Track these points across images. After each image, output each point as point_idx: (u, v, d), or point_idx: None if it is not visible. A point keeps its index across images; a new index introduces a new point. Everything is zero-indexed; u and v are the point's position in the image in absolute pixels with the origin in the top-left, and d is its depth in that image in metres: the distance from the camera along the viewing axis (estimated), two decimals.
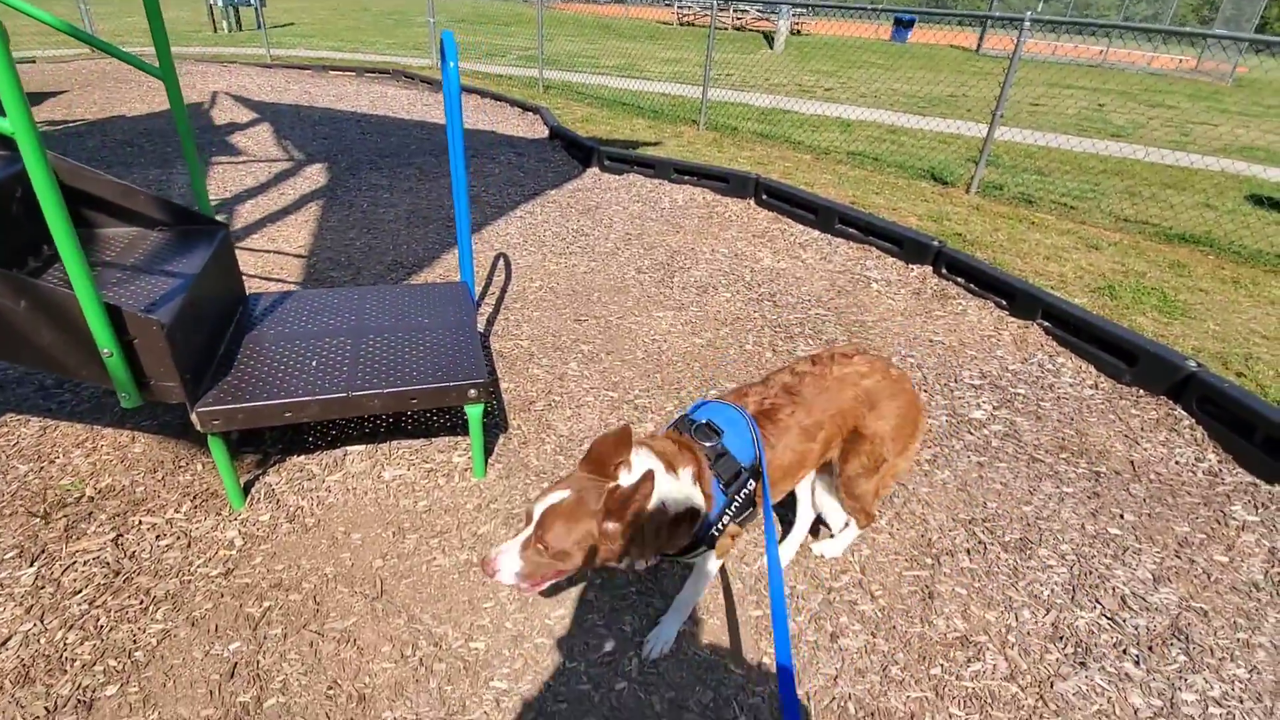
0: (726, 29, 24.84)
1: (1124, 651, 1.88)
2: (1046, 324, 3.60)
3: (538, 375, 3.09)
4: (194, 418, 1.99)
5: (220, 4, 19.82)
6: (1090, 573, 2.11)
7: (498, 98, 9.50)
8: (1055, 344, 3.52)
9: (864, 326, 3.68)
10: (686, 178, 5.73)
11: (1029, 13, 5.67)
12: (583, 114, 8.81)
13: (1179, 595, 2.04)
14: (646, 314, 3.68)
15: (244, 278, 3.44)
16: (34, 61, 11.21)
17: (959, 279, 4.11)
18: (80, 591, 1.95)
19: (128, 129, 6.92)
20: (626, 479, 1.46)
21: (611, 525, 1.40)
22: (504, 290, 3.88)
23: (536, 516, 1.42)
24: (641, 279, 4.08)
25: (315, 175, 5.73)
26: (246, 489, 2.34)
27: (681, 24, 25.88)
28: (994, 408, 3.01)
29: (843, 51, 18.30)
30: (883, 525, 2.29)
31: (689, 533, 1.58)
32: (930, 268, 4.31)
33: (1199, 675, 1.82)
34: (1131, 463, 2.66)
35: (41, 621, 1.87)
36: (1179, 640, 1.92)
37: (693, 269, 4.25)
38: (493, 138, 7.36)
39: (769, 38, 21.30)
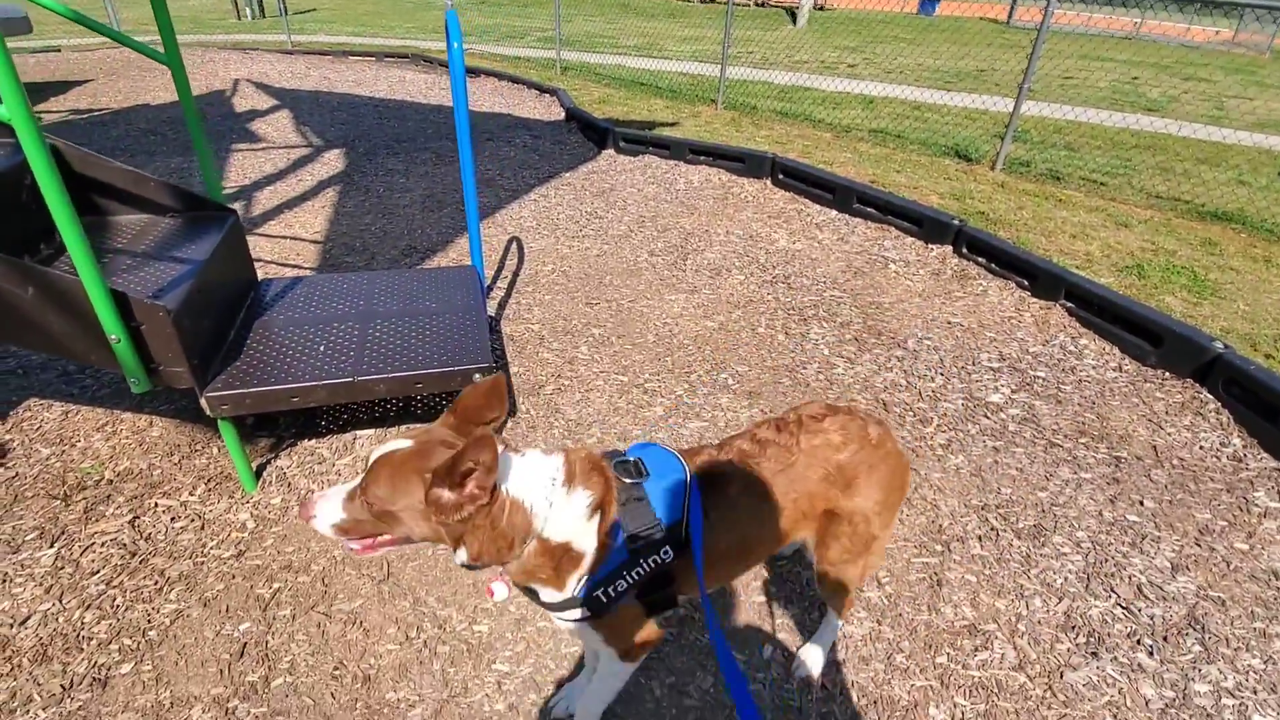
0: (748, 5, 24.37)
1: (1138, 642, 1.83)
2: (1070, 305, 3.50)
3: (547, 359, 3.09)
4: (203, 402, 2.02)
5: None
6: (1106, 561, 2.05)
7: (514, 80, 9.44)
8: (1078, 325, 3.42)
9: (880, 309, 3.61)
10: (702, 158, 5.65)
11: None
12: (600, 95, 8.72)
13: (1197, 584, 1.98)
14: (658, 297, 3.65)
15: (260, 263, 3.48)
16: (59, 50, 11.39)
17: (980, 259, 4.01)
18: (98, 572, 2.01)
19: (152, 117, 7.01)
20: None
21: (444, 495, 1.10)
22: (516, 274, 3.87)
23: (369, 464, 1.20)
24: (654, 262, 4.05)
25: (332, 161, 5.76)
26: (259, 472, 2.38)
27: (702, 1, 25.45)
28: (1012, 391, 2.94)
29: (868, 26, 17.86)
30: None
31: (561, 577, 1.23)
32: (950, 247, 4.21)
33: (1213, 665, 1.77)
34: (1154, 448, 2.58)
35: (60, 601, 1.92)
36: (1195, 630, 1.87)
37: (706, 251, 4.20)
38: (509, 120, 7.33)
39: (792, 13, 20.86)
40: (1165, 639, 1.84)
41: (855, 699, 1.70)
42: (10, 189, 2.09)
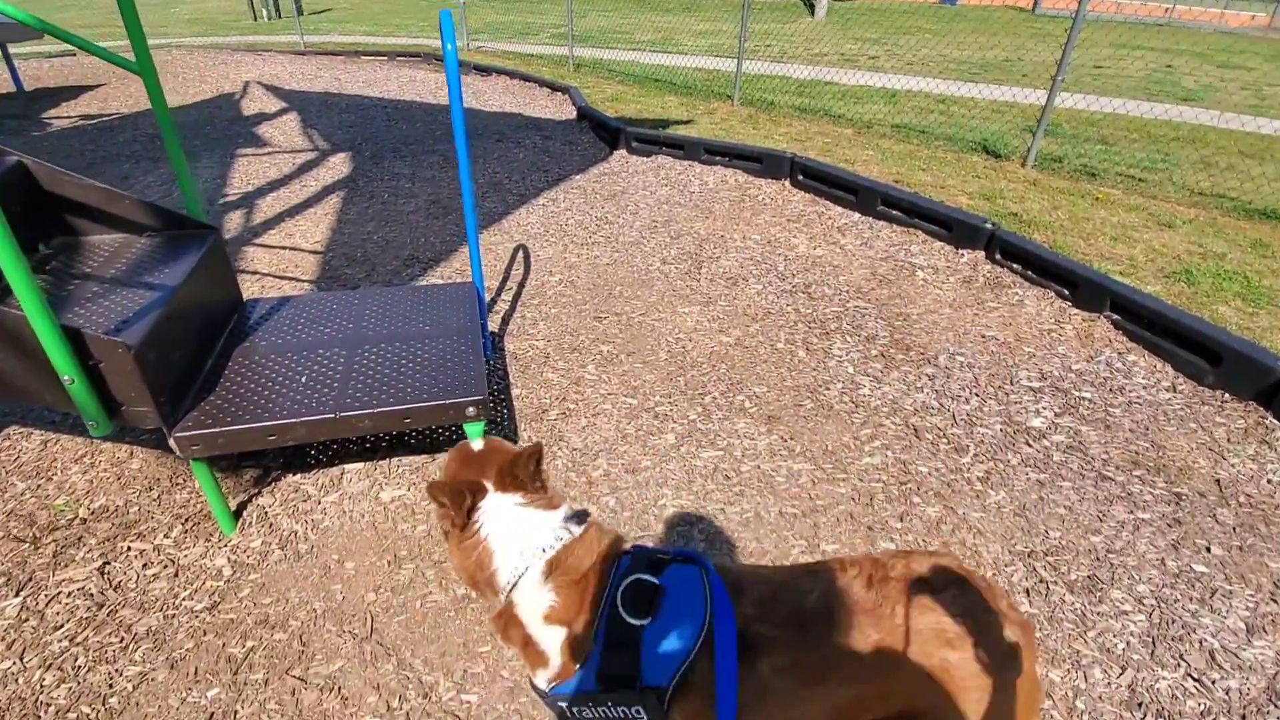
0: None
1: None
2: (1115, 316, 3.24)
3: (552, 379, 2.90)
4: (171, 443, 1.86)
5: None
6: (1173, 621, 1.82)
7: (526, 78, 9.27)
8: (1125, 339, 3.16)
9: (908, 320, 3.38)
10: (718, 158, 5.43)
11: None
12: (613, 92, 8.51)
13: (1276, 649, 1.75)
14: (671, 309, 3.44)
15: (257, 276, 3.33)
16: (74, 55, 11.42)
17: (1015, 265, 3.75)
18: (62, 626, 1.86)
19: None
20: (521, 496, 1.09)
21: (436, 500, 1.08)
22: (522, 285, 3.69)
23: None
24: (667, 270, 3.84)
25: (338, 165, 5.62)
26: (240, 510, 2.22)
27: None
28: (1055, 415, 2.70)
29: (889, 17, 17.44)
30: None
31: (530, 660, 1.08)
32: (982, 252, 3.95)
33: None
34: (1217, 482, 2.33)
35: (21, 660, 1.77)
36: (1277, 706, 1.64)
37: (722, 259, 3.99)
38: (519, 120, 7.15)
39: (810, 4, 20.45)
40: (1244, 718, 1.61)
41: None
42: None
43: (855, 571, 1.06)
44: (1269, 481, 2.33)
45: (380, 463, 2.38)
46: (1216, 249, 4.14)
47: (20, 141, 6.29)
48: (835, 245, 4.19)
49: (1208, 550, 2.05)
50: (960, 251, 4.00)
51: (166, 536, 2.14)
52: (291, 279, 3.67)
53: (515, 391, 2.81)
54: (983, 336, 3.24)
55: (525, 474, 1.14)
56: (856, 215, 4.54)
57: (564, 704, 1.03)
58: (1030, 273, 3.66)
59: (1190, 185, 5.41)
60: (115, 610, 1.92)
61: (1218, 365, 2.78)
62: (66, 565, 2.04)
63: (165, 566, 2.04)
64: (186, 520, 2.19)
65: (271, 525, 2.17)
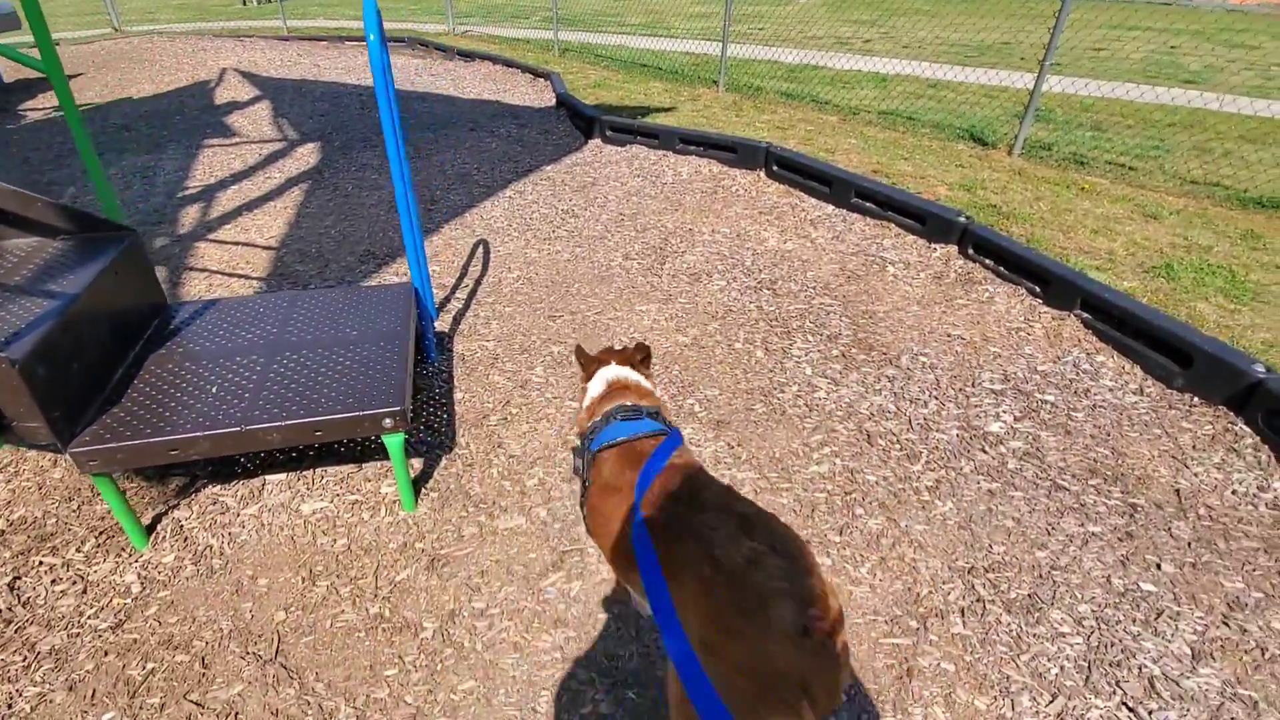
0: None
1: None
2: (1086, 315, 3.13)
3: (498, 383, 2.81)
4: (68, 459, 1.78)
5: None
6: (1112, 644, 1.74)
7: (509, 64, 9.09)
8: (1095, 339, 3.05)
9: (873, 319, 3.27)
10: (692, 148, 5.29)
11: None
12: (597, 78, 8.35)
13: (1223, 679, 1.66)
14: (628, 308, 3.34)
15: (205, 274, 3.25)
16: (57, 44, 11.25)
17: (987, 261, 3.63)
18: None
19: (129, 112, 6.82)
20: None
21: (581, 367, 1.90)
22: (478, 282, 3.59)
23: None
24: (628, 266, 3.73)
25: (306, 156, 5.51)
26: (156, 523, 2.14)
27: None
28: (1015, 419, 2.60)
29: None
30: (863, 575, 1.95)
31: (579, 428, 1.72)
32: (955, 247, 3.83)
33: None
34: (1177, 492, 2.24)
35: None
36: None
37: (687, 254, 3.88)
38: (496, 109, 7.01)
39: None
40: None
41: None
42: None
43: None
44: (1233, 493, 2.24)
45: (304, 473, 2.30)
46: (1203, 241, 4.01)
47: None
48: (806, 239, 4.08)
49: (1158, 567, 1.95)
50: (933, 246, 3.88)
51: (79, 551, 2.06)
52: (241, 276, 3.57)
53: (458, 395, 2.72)
54: (948, 336, 3.13)
55: (635, 359, 1.82)
56: (830, 207, 4.42)
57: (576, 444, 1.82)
58: (1003, 269, 3.54)
59: (1182, 173, 5.26)
60: (22, 627, 1.85)
61: (1188, 367, 2.67)
62: None
63: (74, 583, 1.97)
64: (101, 534, 2.12)
65: (187, 539, 2.10)
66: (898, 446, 2.47)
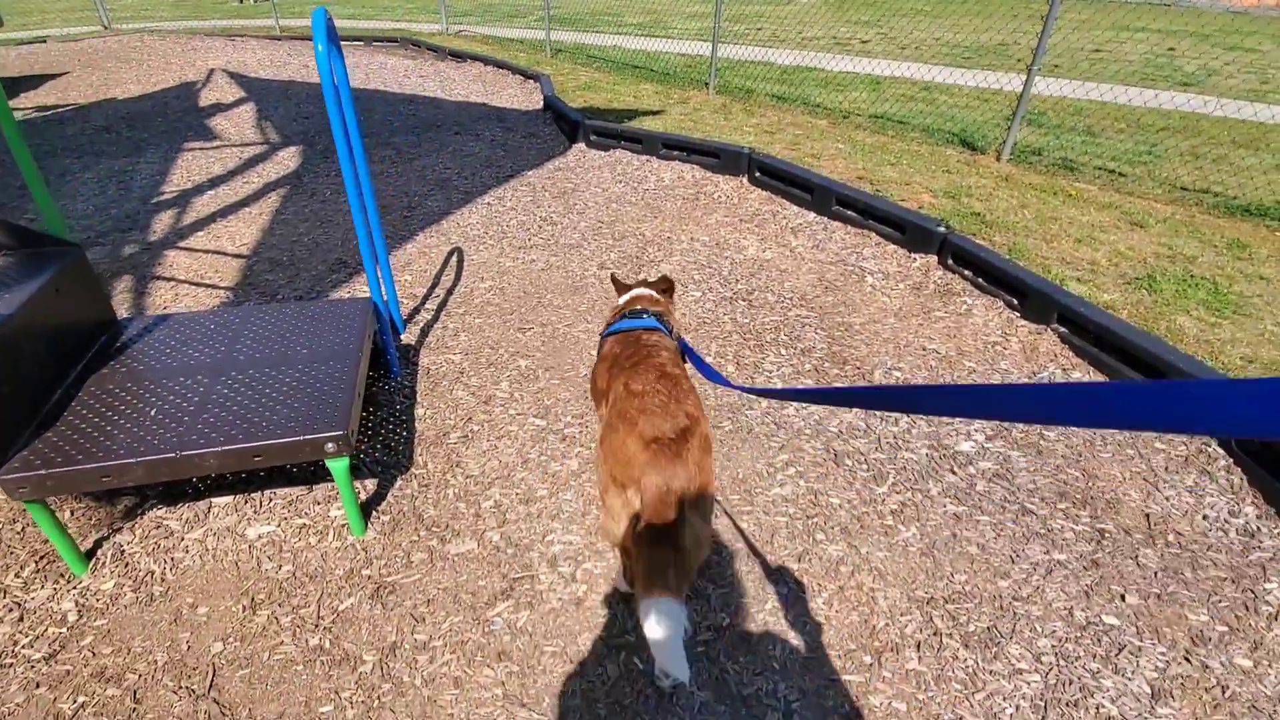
0: None
1: None
2: (1062, 329, 3.07)
3: (461, 399, 2.76)
4: None
5: None
6: (1070, 683, 1.68)
7: (500, 65, 9.04)
8: (1071, 354, 2.99)
9: (849, 331, 3.22)
10: (676, 153, 5.23)
11: None
12: (587, 80, 8.29)
13: (1183, 718, 1.61)
14: (599, 320, 3.29)
15: (172, 282, 3.22)
16: (44, 41, 11.20)
17: (966, 272, 3.58)
18: None
19: (112, 113, 6.76)
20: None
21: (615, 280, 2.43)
22: (450, 292, 3.54)
23: None
24: (602, 275, 3.68)
25: (287, 160, 5.45)
26: (97, 547, 2.09)
27: None
28: (987, 438, 2.54)
29: None
30: (819, 605, 1.90)
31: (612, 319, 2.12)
32: (935, 257, 3.78)
33: None
34: (1146, 516, 2.18)
35: None
36: None
37: (664, 263, 3.82)
38: (482, 111, 6.95)
39: None
40: None
41: None
42: None
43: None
44: (1204, 518, 2.18)
45: (252, 495, 2.24)
46: (1188, 251, 3.95)
47: None
48: (786, 248, 4.02)
49: (1122, 599, 1.90)
50: (913, 256, 3.83)
51: (18, 576, 2.01)
52: (208, 286, 3.52)
53: (419, 411, 2.67)
54: (924, 349, 3.08)
55: (659, 287, 2.27)
56: (812, 215, 4.36)
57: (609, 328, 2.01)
58: (982, 280, 3.49)
59: (1173, 180, 5.20)
60: None
61: None
62: None
63: (10, 610, 1.92)
64: (42, 559, 2.07)
65: (128, 564, 2.05)
66: (865, 467, 2.41)
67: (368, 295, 2.63)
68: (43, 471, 1.74)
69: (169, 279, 3.57)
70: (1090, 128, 6.61)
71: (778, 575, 1.98)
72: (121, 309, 3.31)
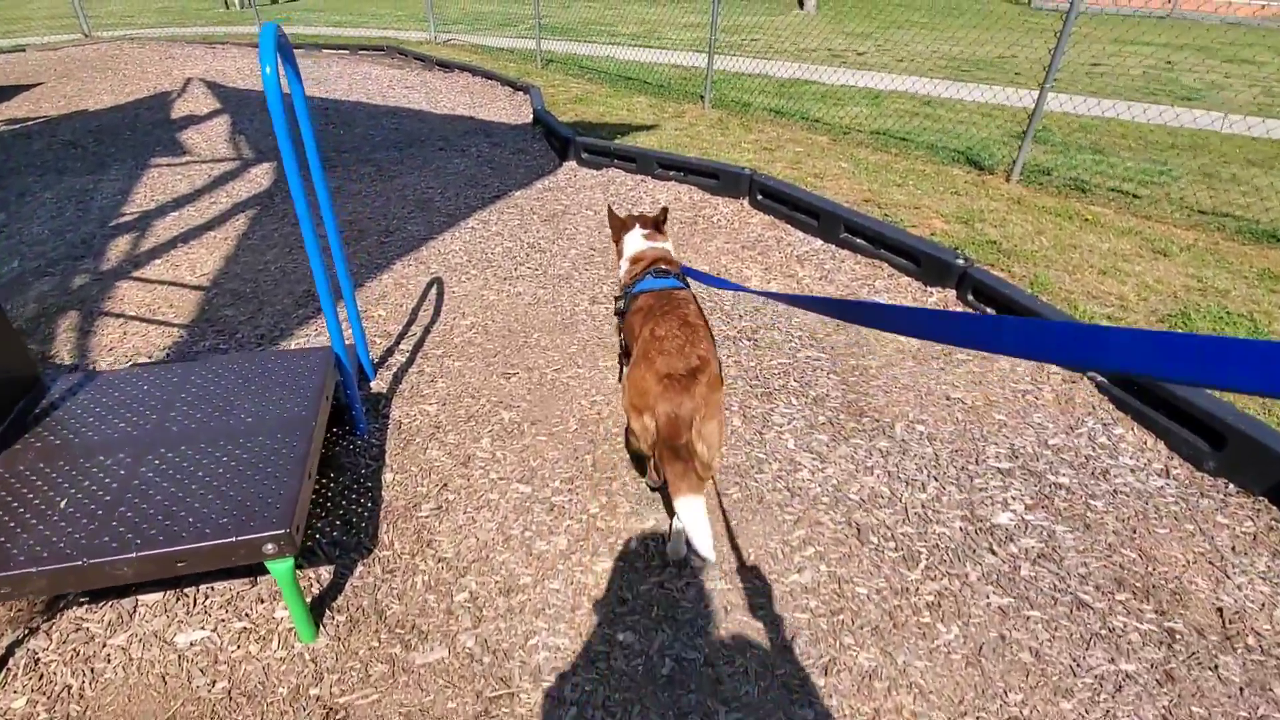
0: None
1: None
2: (1100, 378, 2.81)
3: (436, 460, 2.45)
4: None
5: None
6: None
7: (489, 76, 8.76)
8: (1112, 406, 2.73)
9: (865, 376, 2.94)
10: (672, 173, 4.96)
11: None
12: (580, 92, 8.03)
13: None
14: (591, 363, 3.00)
15: (120, 319, 2.96)
16: (24, 50, 10.84)
17: (990, 310, 3.31)
18: None
19: (80, 127, 6.43)
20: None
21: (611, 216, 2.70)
22: (428, 330, 3.24)
23: None
24: (594, 311, 3.39)
25: (259, 178, 5.14)
26: (9, 655, 1.77)
27: None
28: (1027, 507, 2.27)
29: (882, 9, 16.92)
30: None
31: (617, 267, 2.55)
32: (953, 291, 3.51)
33: None
34: (1219, 611, 1.91)
35: None
36: None
37: None
38: (469, 125, 6.67)
39: None
40: None
41: None
42: None
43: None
44: None
45: (185, 591, 1.93)
46: (1218, 284, 3.70)
47: None
48: (792, 278, 3.75)
49: None
50: (929, 290, 3.56)
51: None
52: (159, 323, 3.20)
53: (388, 477, 2.36)
54: (948, 399, 2.80)
55: (657, 222, 2.56)
56: (818, 242, 4.10)
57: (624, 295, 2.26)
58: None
59: (1190, 202, 4.97)
60: None
61: (1220, 448, 2.34)
62: None
63: None
64: None
65: (44, 676, 1.73)
66: (892, 544, 2.13)
67: (328, 343, 2.33)
68: None
69: (118, 315, 3.25)
70: (1097, 145, 6.40)
71: (802, 692, 1.69)
72: (62, 351, 2.99)
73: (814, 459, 2.48)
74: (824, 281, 3.71)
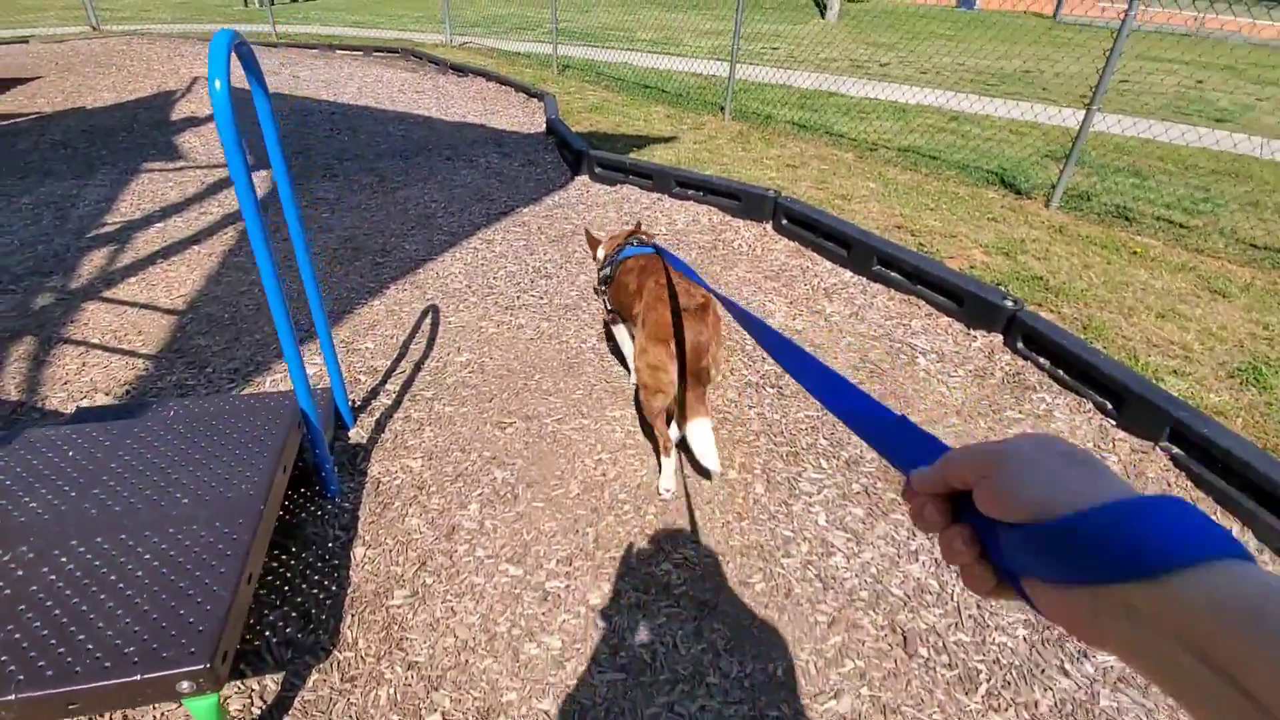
0: None
1: None
2: (1175, 450, 2.46)
3: (416, 531, 2.14)
4: None
5: None
6: None
7: (503, 81, 8.49)
8: (1190, 483, 2.38)
9: None
10: (691, 192, 4.65)
11: None
12: (596, 100, 7.75)
13: None
14: (598, 413, 2.68)
15: (82, 347, 2.71)
16: (27, 41, 10.67)
17: (1043, 360, 2.97)
18: None
19: (73, 126, 6.19)
20: None
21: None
22: (418, 367, 2.93)
23: None
24: (602, 350, 3.08)
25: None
26: None
27: None
28: None
29: (904, 20, 16.61)
30: None
31: (597, 262, 2.78)
32: (1000, 337, 3.18)
33: None
34: None
35: None
36: None
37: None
38: (480, 133, 6.38)
39: (821, 5, 19.60)
40: None
41: None
42: None
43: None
44: None
45: None
46: None
47: None
48: (819, 315, 3.42)
49: None
50: (973, 333, 3.22)
51: None
52: (124, 353, 2.92)
53: (358, 551, 2.05)
54: None
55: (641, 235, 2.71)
56: (848, 274, 3.77)
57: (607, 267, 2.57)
58: (1061, 372, 2.88)
59: (1241, 234, 4.62)
60: None
61: None
62: None
63: None
64: None
65: None
66: (945, 659, 1.80)
67: (290, 392, 2.02)
68: None
69: (79, 342, 2.97)
70: (1136, 168, 6.05)
71: None
72: (9, 384, 2.70)
73: (848, 539, 2.16)
74: (854, 319, 3.39)
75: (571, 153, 5.34)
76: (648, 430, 2.55)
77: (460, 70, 9.22)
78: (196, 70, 8.74)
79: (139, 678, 1.23)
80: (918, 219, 4.54)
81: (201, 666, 1.25)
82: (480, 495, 2.28)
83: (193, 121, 6.45)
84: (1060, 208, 4.97)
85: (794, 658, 1.79)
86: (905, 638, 1.86)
